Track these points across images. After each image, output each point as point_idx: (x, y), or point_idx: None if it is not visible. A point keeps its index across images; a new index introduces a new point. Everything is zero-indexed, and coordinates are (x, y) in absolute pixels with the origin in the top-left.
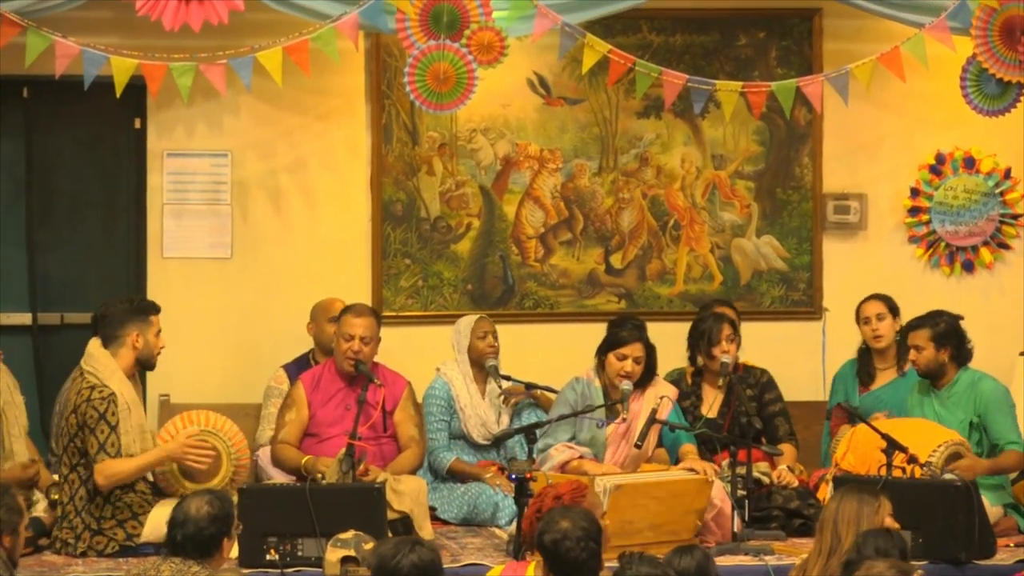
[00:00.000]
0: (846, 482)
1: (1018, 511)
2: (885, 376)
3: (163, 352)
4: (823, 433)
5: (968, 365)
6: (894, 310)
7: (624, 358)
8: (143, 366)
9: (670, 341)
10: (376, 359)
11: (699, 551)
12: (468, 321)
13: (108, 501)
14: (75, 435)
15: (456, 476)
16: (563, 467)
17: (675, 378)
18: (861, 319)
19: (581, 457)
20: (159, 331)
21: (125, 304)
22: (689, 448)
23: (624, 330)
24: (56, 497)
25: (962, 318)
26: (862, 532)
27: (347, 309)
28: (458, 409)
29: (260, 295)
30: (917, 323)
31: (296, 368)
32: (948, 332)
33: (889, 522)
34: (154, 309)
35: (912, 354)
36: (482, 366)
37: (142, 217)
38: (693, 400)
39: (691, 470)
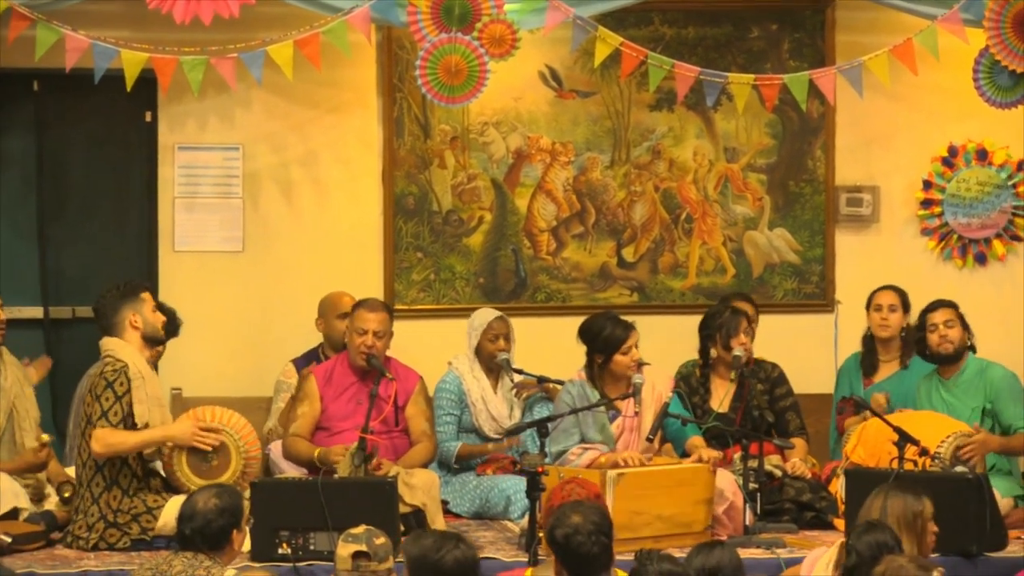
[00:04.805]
0: (857, 475)
1: None
2: (888, 368)
3: (174, 346)
4: (831, 426)
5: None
6: (906, 305)
7: (629, 350)
8: (153, 341)
9: (683, 334)
10: (388, 353)
11: (726, 548)
12: (482, 320)
13: (126, 494)
14: (91, 416)
15: (466, 461)
16: (590, 466)
17: (687, 372)
18: (873, 306)
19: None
20: (155, 306)
21: (113, 291)
22: (697, 441)
23: (618, 328)
24: (67, 495)
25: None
26: (857, 528)
27: (360, 304)
28: (469, 403)
29: (272, 288)
30: (938, 304)
31: (305, 362)
32: (963, 318)
33: (931, 526)
34: (142, 287)
35: (943, 331)
36: (492, 363)
37: (153, 211)
38: (702, 394)
39: (699, 461)
